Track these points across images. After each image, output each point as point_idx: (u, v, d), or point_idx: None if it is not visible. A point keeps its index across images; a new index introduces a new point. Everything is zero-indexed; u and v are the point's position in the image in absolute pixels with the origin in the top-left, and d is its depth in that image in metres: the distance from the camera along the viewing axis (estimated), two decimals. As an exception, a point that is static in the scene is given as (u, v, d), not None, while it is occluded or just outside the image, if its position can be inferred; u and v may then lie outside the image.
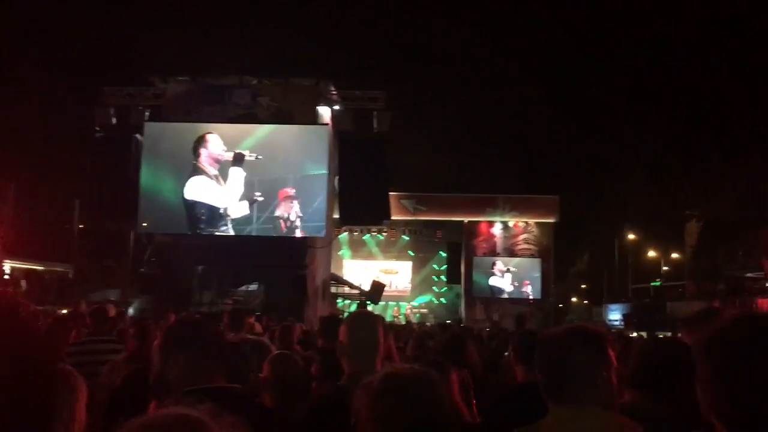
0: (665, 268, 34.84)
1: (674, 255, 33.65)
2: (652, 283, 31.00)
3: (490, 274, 28.00)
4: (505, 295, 27.59)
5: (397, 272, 31.32)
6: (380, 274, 28.84)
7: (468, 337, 4.72)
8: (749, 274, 24.33)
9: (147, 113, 22.28)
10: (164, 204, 20.63)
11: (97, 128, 22.41)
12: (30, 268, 25.14)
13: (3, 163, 23.05)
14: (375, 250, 31.12)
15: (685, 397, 2.17)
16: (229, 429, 0.97)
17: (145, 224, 20.50)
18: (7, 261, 23.51)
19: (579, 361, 1.87)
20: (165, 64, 23.98)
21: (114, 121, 22.12)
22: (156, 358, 2.39)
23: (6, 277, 22.55)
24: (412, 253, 31.33)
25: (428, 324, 20.10)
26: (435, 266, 31.18)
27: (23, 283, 22.24)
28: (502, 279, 27.96)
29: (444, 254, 30.14)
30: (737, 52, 16.00)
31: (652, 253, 35.62)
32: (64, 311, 13.94)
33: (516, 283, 27.84)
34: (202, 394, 2.13)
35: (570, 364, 1.88)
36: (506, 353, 5.32)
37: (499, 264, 28.11)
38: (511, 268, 27.92)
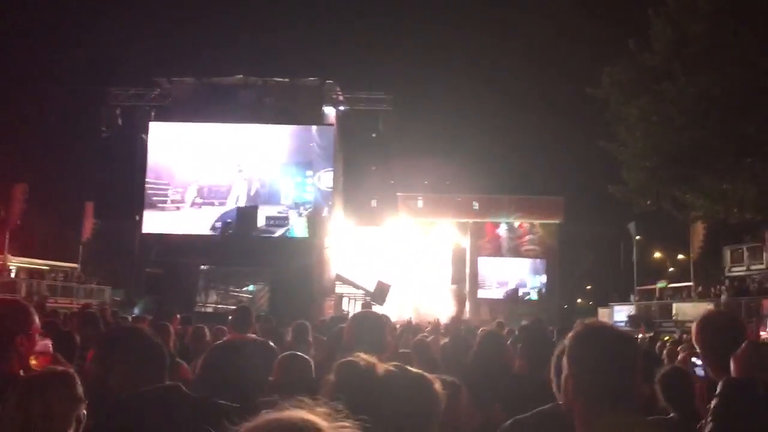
0: (671, 269, 34.71)
1: (680, 256, 33.55)
2: (658, 284, 30.90)
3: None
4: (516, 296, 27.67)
5: (403, 272, 31.31)
6: (386, 274, 28.83)
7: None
8: (755, 276, 24.25)
9: (153, 113, 22.35)
10: (169, 203, 20.77)
11: (103, 128, 22.48)
12: (36, 268, 25.26)
13: (13, 163, 23.20)
14: (381, 250, 31.11)
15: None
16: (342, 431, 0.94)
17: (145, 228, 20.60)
18: (14, 260, 23.63)
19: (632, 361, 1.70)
20: (170, 65, 24.02)
21: (120, 121, 22.17)
22: (95, 368, 2.43)
23: (12, 276, 22.66)
24: (417, 254, 31.29)
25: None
26: (441, 267, 31.11)
27: (28, 282, 22.34)
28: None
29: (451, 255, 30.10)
30: (745, 53, 15.95)
31: (657, 255, 35.52)
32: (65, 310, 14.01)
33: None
34: (149, 395, 2.17)
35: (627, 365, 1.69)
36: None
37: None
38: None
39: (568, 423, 1.72)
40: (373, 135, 21.76)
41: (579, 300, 40.79)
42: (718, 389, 2.17)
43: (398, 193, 26.45)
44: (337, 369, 1.51)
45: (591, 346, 1.71)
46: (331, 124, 21.61)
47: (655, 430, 1.71)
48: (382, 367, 1.51)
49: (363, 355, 1.55)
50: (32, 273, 24.03)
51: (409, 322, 11.73)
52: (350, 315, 6.50)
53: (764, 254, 23.75)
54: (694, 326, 2.54)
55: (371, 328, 2.73)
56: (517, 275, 28.08)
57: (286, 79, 22.03)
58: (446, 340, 6.23)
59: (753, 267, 24.07)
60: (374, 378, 1.48)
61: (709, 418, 2.11)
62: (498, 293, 27.92)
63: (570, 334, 1.80)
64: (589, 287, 41.95)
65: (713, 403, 2.14)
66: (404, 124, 23.05)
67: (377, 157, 21.47)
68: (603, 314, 29.85)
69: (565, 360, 1.75)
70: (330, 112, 22.00)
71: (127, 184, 21.14)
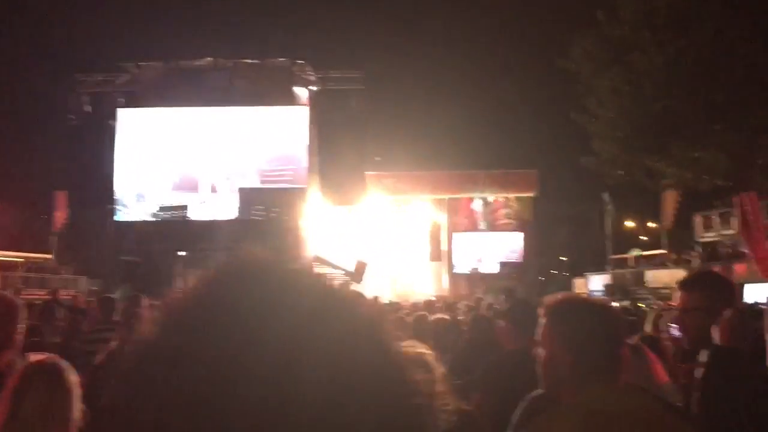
0: (644, 237, 35.29)
1: (652, 225, 34.10)
2: (632, 253, 31.39)
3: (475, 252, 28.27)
4: (493, 270, 27.85)
5: (381, 251, 31.34)
6: (363, 252, 28.85)
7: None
8: (726, 241, 24.72)
9: (121, 100, 22.00)
10: (143, 190, 20.53)
11: (71, 116, 22.09)
12: (8, 260, 24.81)
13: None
14: (358, 229, 31.08)
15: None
16: None
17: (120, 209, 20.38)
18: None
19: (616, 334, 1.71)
20: (137, 49, 23.59)
21: (88, 108, 21.81)
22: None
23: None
24: (395, 232, 31.33)
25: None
26: (418, 244, 31.17)
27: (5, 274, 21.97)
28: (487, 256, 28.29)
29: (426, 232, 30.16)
30: (713, 20, 16.16)
31: (630, 224, 36.06)
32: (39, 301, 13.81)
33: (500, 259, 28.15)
34: None
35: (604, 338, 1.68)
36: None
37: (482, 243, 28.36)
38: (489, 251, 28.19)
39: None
40: (346, 113, 21.68)
41: (555, 271, 41.28)
42: (706, 357, 2.23)
43: (373, 172, 26.43)
44: None
45: (583, 319, 1.69)
46: (304, 105, 21.47)
47: (643, 397, 1.72)
48: None
49: None
50: (4, 265, 23.62)
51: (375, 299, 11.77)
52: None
53: (733, 220, 24.21)
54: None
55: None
56: (493, 249, 28.31)
57: (256, 61, 21.80)
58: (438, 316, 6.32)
59: (723, 232, 24.53)
60: None
61: (697, 386, 2.17)
62: (478, 267, 28.11)
63: (552, 310, 1.74)
64: (564, 258, 42.46)
65: (700, 370, 2.20)
66: (377, 101, 22.96)
67: (351, 136, 21.41)
68: (579, 284, 30.30)
69: (549, 337, 1.71)
70: (302, 92, 21.84)
71: (98, 173, 20.87)
